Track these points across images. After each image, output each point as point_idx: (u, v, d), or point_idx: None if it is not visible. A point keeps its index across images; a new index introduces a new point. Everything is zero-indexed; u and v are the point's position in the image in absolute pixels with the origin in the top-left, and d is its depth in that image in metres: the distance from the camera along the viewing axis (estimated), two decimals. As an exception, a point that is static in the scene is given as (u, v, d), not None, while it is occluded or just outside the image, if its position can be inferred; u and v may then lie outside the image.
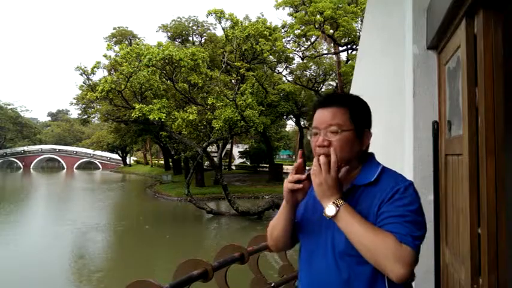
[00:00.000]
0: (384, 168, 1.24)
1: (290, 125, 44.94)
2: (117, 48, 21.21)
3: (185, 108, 17.62)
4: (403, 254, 1.04)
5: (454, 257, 1.86)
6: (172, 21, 28.11)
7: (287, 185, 1.21)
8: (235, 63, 19.66)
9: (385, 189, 1.15)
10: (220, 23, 19.40)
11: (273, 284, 2.45)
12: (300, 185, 1.19)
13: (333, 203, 1.13)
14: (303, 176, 1.20)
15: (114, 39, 29.79)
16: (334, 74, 26.65)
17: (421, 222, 1.13)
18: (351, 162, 1.22)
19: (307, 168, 1.24)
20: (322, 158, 1.15)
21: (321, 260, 1.22)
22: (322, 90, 29.27)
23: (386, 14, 3.13)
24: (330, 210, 1.13)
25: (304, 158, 1.24)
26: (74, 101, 32.11)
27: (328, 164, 1.15)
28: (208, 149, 20.38)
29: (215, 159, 21.20)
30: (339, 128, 1.18)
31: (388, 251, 1.04)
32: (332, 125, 1.18)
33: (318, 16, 19.47)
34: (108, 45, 19.40)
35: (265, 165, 34.53)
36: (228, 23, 19.29)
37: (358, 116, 1.22)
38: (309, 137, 1.27)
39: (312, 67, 27.77)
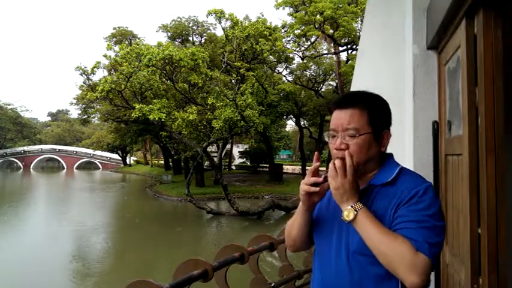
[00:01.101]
0: (403, 169, 1.22)
1: (290, 125, 44.97)
2: (117, 48, 21.21)
3: (185, 108, 17.62)
4: (418, 262, 1.02)
5: (454, 257, 1.86)
6: (172, 21, 28.13)
7: (303, 187, 1.20)
8: (235, 63, 19.66)
9: (403, 191, 1.13)
10: (220, 23, 19.42)
11: (273, 284, 2.45)
12: (317, 188, 1.19)
13: (351, 206, 1.12)
14: (320, 179, 1.19)
15: (114, 39, 29.78)
16: (334, 74, 26.66)
17: (439, 227, 1.09)
18: (369, 163, 1.20)
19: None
20: (337, 162, 1.14)
21: (333, 259, 1.21)
22: (322, 90, 29.30)
23: (386, 14, 3.13)
24: (348, 214, 1.12)
25: (320, 160, 1.22)
26: (74, 101, 32.15)
27: (344, 168, 1.13)
28: (208, 149, 20.37)
29: (215, 159, 21.19)
30: (356, 132, 1.16)
31: (404, 258, 1.02)
32: (349, 129, 1.16)
33: (318, 16, 19.47)
34: (108, 45, 19.40)
35: (265, 165, 34.53)
36: (228, 23, 19.30)
37: (377, 117, 1.19)
38: (326, 138, 1.24)
39: (312, 67, 27.80)
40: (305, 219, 1.27)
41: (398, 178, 1.18)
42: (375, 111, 1.19)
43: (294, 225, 1.32)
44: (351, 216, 1.11)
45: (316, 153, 1.24)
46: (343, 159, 1.14)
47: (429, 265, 1.03)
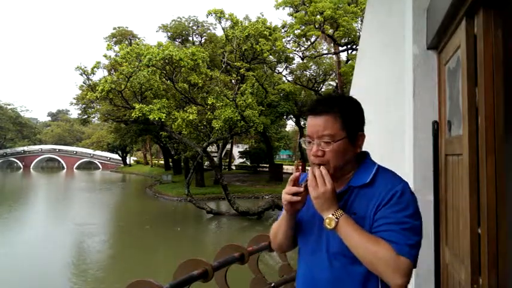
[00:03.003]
0: (379, 168, 1.24)
1: (290, 125, 44.97)
2: (117, 48, 21.21)
3: (185, 108, 17.61)
4: (401, 265, 1.07)
5: (454, 257, 1.86)
6: (172, 21, 28.14)
7: (285, 197, 1.23)
8: (235, 63, 19.66)
9: (382, 192, 1.16)
10: (220, 23, 19.43)
11: (273, 284, 2.45)
12: (298, 198, 1.21)
13: (332, 214, 1.15)
14: (301, 189, 1.21)
15: (114, 39, 29.79)
16: (334, 74, 26.67)
17: (417, 227, 1.14)
18: (346, 166, 1.23)
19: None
20: (317, 171, 1.16)
21: (315, 259, 1.25)
22: (322, 90, 29.29)
23: (386, 14, 3.13)
24: (329, 222, 1.15)
25: (303, 170, 1.25)
26: (74, 101, 32.15)
27: (323, 177, 1.16)
28: (208, 149, 20.37)
29: (215, 159, 21.19)
30: (331, 139, 1.17)
31: (387, 262, 1.07)
32: (324, 135, 1.18)
33: (318, 16, 19.48)
34: (108, 45, 19.39)
35: (265, 165, 34.53)
36: (228, 23, 19.31)
37: (351, 121, 1.20)
38: (303, 145, 1.27)
39: (312, 67, 27.81)
40: (289, 224, 1.30)
41: (376, 178, 1.20)
42: (348, 115, 1.21)
43: (279, 230, 1.35)
44: (333, 225, 1.14)
45: (296, 161, 1.25)
46: (320, 165, 1.18)
47: (411, 266, 1.09)
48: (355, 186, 1.22)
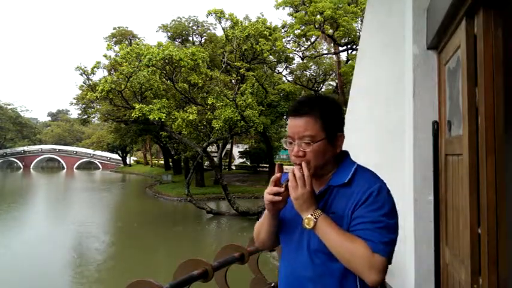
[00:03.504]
0: (358, 168, 1.28)
1: (290, 125, 44.82)
2: (117, 48, 21.20)
3: (185, 108, 17.61)
4: (375, 263, 1.12)
5: (454, 257, 1.86)
6: (172, 21, 28.13)
7: (267, 197, 1.26)
8: (235, 63, 19.66)
9: (359, 192, 1.20)
10: (220, 23, 19.41)
11: (273, 284, 2.45)
12: (280, 198, 1.25)
13: (311, 215, 1.19)
14: (282, 189, 1.25)
15: (114, 39, 29.79)
16: (334, 74, 26.68)
17: (392, 226, 1.18)
18: (326, 166, 1.27)
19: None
20: (297, 173, 1.20)
21: (298, 256, 1.29)
22: (322, 90, 29.30)
23: (386, 14, 3.13)
24: (308, 222, 1.19)
25: (282, 171, 1.29)
26: (74, 101, 32.18)
27: (303, 178, 1.19)
28: (208, 149, 20.36)
29: (215, 159, 21.18)
30: (312, 140, 1.21)
31: (362, 260, 1.12)
32: (305, 136, 1.22)
33: (318, 16, 19.47)
34: (108, 45, 19.38)
35: (265, 165, 34.52)
36: (228, 23, 19.29)
37: (331, 122, 1.24)
38: (284, 145, 1.31)
39: (312, 67, 27.81)
40: (272, 223, 1.34)
41: (354, 178, 1.24)
42: (328, 117, 1.25)
43: (262, 229, 1.40)
44: (311, 224, 1.18)
45: (277, 164, 1.32)
46: (301, 165, 1.21)
47: (386, 263, 1.14)
48: (335, 186, 1.26)
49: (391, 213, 1.19)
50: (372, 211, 1.16)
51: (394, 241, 1.18)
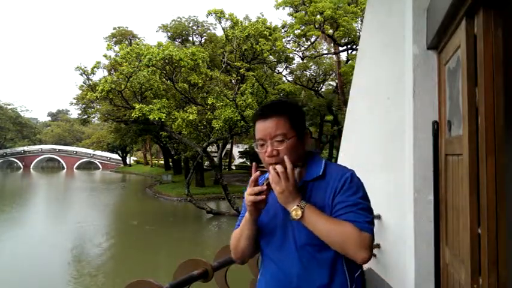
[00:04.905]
0: (327, 162, 1.37)
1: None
2: (117, 48, 21.20)
3: (185, 108, 17.61)
4: (365, 241, 1.19)
5: (454, 257, 1.86)
6: (172, 21, 28.12)
7: (250, 198, 1.28)
8: (235, 63, 19.64)
9: (335, 181, 1.28)
10: (220, 23, 19.40)
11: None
12: (263, 196, 1.28)
13: (297, 205, 1.23)
14: (264, 187, 1.28)
15: (114, 39, 29.78)
16: (334, 74, 26.65)
17: (370, 207, 1.28)
18: (299, 161, 1.33)
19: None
20: (279, 167, 1.24)
21: (284, 255, 1.31)
22: (322, 90, 29.29)
23: (386, 14, 3.12)
24: (296, 213, 1.23)
25: (259, 170, 1.32)
26: (74, 101, 32.13)
27: (286, 172, 1.24)
28: (208, 149, 20.36)
29: (215, 159, 21.18)
30: (285, 137, 1.28)
31: (352, 240, 1.18)
32: (278, 135, 1.28)
33: (318, 16, 19.46)
34: (108, 45, 19.38)
35: (265, 165, 34.47)
36: (228, 23, 19.28)
37: (297, 121, 1.33)
38: (255, 148, 1.36)
39: (312, 67, 27.77)
40: (253, 227, 1.36)
41: (326, 171, 1.33)
42: (295, 117, 1.33)
43: (241, 238, 1.39)
44: (299, 214, 1.23)
45: (254, 164, 1.34)
46: (277, 163, 1.25)
47: (372, 240, 1.22)
48: (309, 180, 1.32)
49: (366, 196, 1.29)
50: (350, 195, 1.25)
51: (373, 220, 1.27)
